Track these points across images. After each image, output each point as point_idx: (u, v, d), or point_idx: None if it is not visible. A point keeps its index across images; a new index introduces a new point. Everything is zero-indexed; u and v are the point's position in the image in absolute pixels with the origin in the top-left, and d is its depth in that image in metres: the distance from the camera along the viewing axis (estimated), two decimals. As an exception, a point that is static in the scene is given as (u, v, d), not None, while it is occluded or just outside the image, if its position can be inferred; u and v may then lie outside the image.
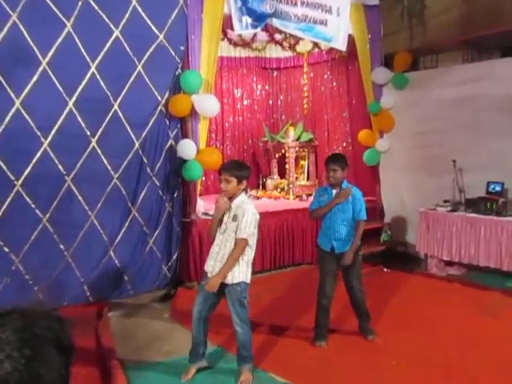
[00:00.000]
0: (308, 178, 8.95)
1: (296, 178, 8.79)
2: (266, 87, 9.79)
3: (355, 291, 4.34)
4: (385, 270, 6.86)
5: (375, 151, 7.74)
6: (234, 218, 3.51)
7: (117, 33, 5.27)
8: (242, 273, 3.53)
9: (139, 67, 5.50)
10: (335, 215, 4.27)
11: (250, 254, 3.56)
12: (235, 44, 7.78)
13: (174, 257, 6.03)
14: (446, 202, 6.75)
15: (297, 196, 8.31)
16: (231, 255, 3.50)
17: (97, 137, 5.27)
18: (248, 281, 3.57)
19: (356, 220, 4.22)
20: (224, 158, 8.81)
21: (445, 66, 7.34)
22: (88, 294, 5.35)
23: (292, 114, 9.75)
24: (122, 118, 5.42)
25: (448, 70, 7.08)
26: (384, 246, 7.37)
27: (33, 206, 4.97)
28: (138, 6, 5.41)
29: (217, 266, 3.56)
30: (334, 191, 4.33)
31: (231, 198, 3.56)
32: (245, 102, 9.53)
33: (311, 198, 4.64)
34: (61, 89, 5.00)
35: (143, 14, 5.44)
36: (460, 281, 6.24)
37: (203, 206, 6.56)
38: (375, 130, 7.71)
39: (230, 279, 3.53)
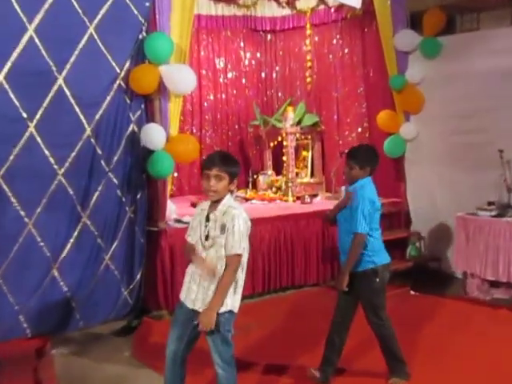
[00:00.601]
0: (312, 174, 9.02)
1: (297, 173, 8.86)
2: (258, 55, 9.85)
3: (372, 326, 4.42)
4: (412, 292, 6.93)
5: (399, 139, 7.82)
6: (223, 229, 3.47)
7: (61, -16, 5.28)
8: (227, 299, 3.54)
9: (91, 29, 5.50)
10: (340, 223, 4.44)
11: (239, 275, 3.57)
12: (217, -2, 7.84)
13: (138, 277, 6.04)
14: (490, 204, 6.83)
15: (297, 197, 8.38)
16: (223, 279, 3.45)
17: (36, 120, 5.27)
18: (235, 309, 3.58)
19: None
20: (202, 149, 8.88)
21: (488, 28, 7.42)
22: (25, 325, 5.34)
23: (291, 91, 9.81)
24: (69, 96, 5.42)
25: (493, 33, 7.16)
26: (411, 262, 7.44)
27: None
28: (89, -51, 5.43)
29: (200, 293, 3.54)
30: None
31: (217, 202, 3.57)
32: (229, 75, 9.57)
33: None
34: (-13, 57, 5.02)
35: (96, -41, 5.48)
36: (509, 307, 6.32)
37: (175, 210, 6.58)
38: (399, 111, 7.79)
39: None
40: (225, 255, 3.47)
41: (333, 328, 4.47)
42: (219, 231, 3.47)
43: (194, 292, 3.57)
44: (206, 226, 3.54)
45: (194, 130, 9.17)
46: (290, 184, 8.51)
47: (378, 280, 4.32)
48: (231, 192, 3.65)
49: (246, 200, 8.38)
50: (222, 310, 3.49)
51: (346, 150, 8.13)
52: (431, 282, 7.14)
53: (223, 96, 9.49)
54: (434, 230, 7.71)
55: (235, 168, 3.55)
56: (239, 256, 3.47)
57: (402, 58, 7.63)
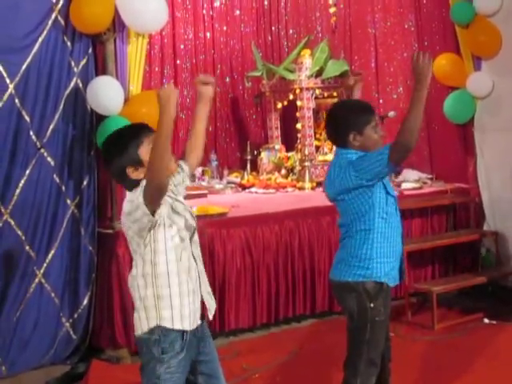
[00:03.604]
0: (340, 148, 9.02)
1: (317, 148, 8.86)
2: (258, -26, 9.83)
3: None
4: (486, 321, 6.96)
5: (466, 96, 7.85)
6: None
7: None
8: (150, 309, 3.62)
9: None
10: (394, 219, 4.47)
11: (171, 261, 3.66)
12: None
13: (85, 302, 6.10)
14: None
15: (318, 183, 8.38)
16: None
17: None
18: (177, 326, 3.64)
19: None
20: (177, 111, 8.86)
21: None
22: None
23: (307, 27, 9.80)
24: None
25: None
26: (484, 277, 7.46)
27: None
28: None
29: (204, 290, 3.78)
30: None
31: None
32: (216, 4, 9.54)
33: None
34: None
35: None
36: None
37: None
38: (465, 55, 7.82)
39: (137, 326, 3.66)
40: None
41: None
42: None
43: (198, 299, 3.73)
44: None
45: (166, 85, 9.16)
46: (307, 164, 8.51)
47: (372, 305, 4.28)
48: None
49: (243, 188, 8.39)
50: (150, 325, 3.60)
51: (390, 113, 8.30)
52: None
53: (207, 35, 9.45)
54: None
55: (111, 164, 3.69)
56: None
57: (469, -23, 7.65)
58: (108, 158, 3.67)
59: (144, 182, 3.46)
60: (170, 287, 3.58)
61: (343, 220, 4.36)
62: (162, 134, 3.39)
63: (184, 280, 3.60)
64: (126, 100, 6.05)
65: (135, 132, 3.65)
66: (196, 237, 3.75)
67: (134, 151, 3.53)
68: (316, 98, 8.83)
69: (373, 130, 4.29)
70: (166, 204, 3.54)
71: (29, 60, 5.68)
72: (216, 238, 6.47)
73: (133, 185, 3.56)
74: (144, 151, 3.52)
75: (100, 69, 6.08)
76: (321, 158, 8.80)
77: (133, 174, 3.55)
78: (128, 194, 3.61)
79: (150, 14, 6.06)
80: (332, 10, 9.39)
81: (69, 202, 5.98)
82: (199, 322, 3.67)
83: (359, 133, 4.26)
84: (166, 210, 3.54)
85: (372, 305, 4.19)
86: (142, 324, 3.59)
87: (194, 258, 3.71)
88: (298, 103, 8.73)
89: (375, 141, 4.28)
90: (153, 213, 3.44)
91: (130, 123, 3.81)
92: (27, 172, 5.74)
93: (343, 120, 4.36)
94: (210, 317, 3.76)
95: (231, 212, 6.82)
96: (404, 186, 8.13)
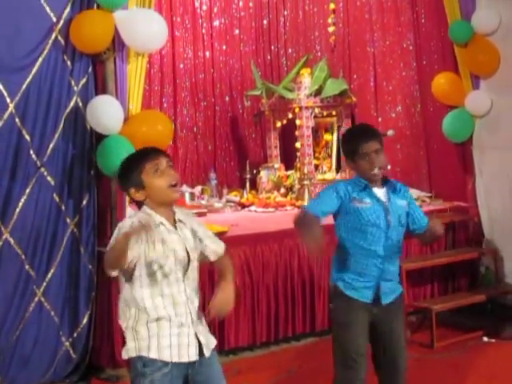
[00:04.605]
0: (339, 168, 9.03)
1: (316, 167, 8.87)
2: (257, -6, 9.88)
3: None
4: (485, 339, 6.96)
5: (465, 115, 7.85)
6: (193, 232, 3.87)
7: None
8: (130, 339, 3.70)
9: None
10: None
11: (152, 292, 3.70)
12: None
13: (84, 321, 6.08)
14: None
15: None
16: (229, 267, 3.99)
17: None
18: (154, 355, 3.66)
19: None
20: (177, 131, 8.90)
21: None
22: None
23: (306, 46, 9.84)
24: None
25: None
26: (483, 295, 7.46)
27: None
28: None
29: (198, 327, 3.78)
30: (381, 191, 4.53)
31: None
32: (216, 23, 9.59)
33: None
34: None
35: None
36: None
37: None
38: (464, 74, 7.84)
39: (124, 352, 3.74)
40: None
41: None
42: (192, 237, 3.86)
43: (189, 334, 3.73)
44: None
45: (165, 105, 9.18)
46: (306, 182, 8.53)
47: (331, 305, 4.66)
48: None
49: (242, 206, 8.40)
50: (131, 353, 3.69)
51: (389, 132, 8.32)
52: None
53: (207, 54, 9.50)
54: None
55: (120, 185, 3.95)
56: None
57: (467, -3, 7.70)
58: (118, 178, 3.89)
59: (124, 227, 3.58)
60: (148, 319, 3.66)
61: None
62: (116, 246, 3.49)
63: (163, 313, 3.65)
64: (126, 119, 6.07)
65: (139, 158, 3.79)
66: (192, 273, 3.77)
67: (138, 175, 3.69)
68: (315, 116, 8.85)
69: (363, 157, 4.40)
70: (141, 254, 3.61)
71: (29, 79, 5.71)
72: (215, 257, 6.48)
73: (138, 203, 3.79)
74: (147, 175, 3.68)
75: (100, 88, 6.10)
76: (320, 176, 8.81)
77: (135, 194, 3.73)
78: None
79: (150, 33, 6.10)
80: (331, 29, 9.44)
81: (68, 221, 5.99)
82: (194, 358, 3.69)
83: (351, 160, 4.49)
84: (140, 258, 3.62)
85: (331, 305, 4.65)
86: (124, 352, 3.72)
87: (187, 294, 3.73)
88: (297, 122, 8.75)
89: (363, 169, 4.43)
90: None
91: (140, 149, 3.92)
92: (27, 191, 5.76)
93: (342, 147, 4.80)
94: (207, 354, 3.74)
95: (230, 231, 6.82)
96: (403, 204, 8.13)
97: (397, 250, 4.58)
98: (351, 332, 4.43)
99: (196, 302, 3.77)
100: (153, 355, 3.63)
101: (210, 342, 3.83)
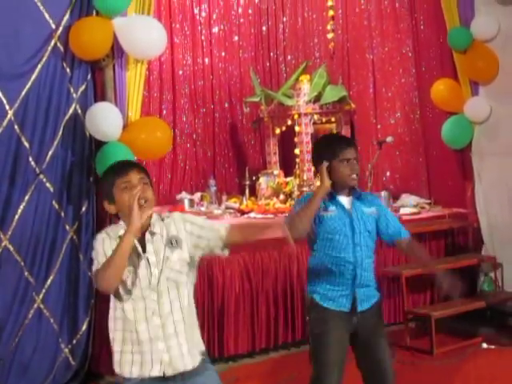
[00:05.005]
0: (337, 174, 9.04)
1: (315, 173, 8.87)
2: (256, 0, 9.87)
3: None
4: (484, 346, 6.96)
5: (464, 121, 7.87)
6: (173, 242, 3.65)
7: None
8: (116, 352, 3.68)
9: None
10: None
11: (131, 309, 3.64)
12: None
13: (84, 328, 6.09)
14: None
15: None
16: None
17: None
18: (117, 370, 3.67)
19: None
20: (176, 138, 8.90)
21: None
22: None
23: (305, 53, 9.86)
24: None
25: None
26: (483, 302, 7.46)
27: None
28: None
29: (176, 344, 3.63)
30: (346, 199, 4.61)
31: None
32: (215, 30, 9.60)
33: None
34: None
35: None
36: None
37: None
38: (463, 80, 7.85)
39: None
40: (185, 281, 3.67)
41: None
42: (168, 248, 3.64)
43: (163, 350, 3.63)
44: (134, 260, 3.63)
45: (165, 112, 9.18)
46: (305, 189, 8.52)
47: (307, 318, 4.65)
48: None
49: (242, 213, 8.40)
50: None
51: (388, 138, 8.32)
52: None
53: (206, 60, 9.51)
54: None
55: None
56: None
57: (465, 4, 7.69)
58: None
59: (103, 239, 3.56)
60: (115, 332, 3.64)
61: None
62: (118, 253, 3.41)
63: (130, 328, 3.59)
64: (125, 126, 6.08)
65: (112, 172, 3.69)
66: (167, 277, 3.59)
67: (110, 189, 3.60)
68: (314, 123, 8.86)
69: (341, 163, 4.47)
70: None
71: (28, 86, 5.72)
72: (215, 264, 6.48)
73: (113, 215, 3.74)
74: (116, 189, 3.58)
75: (99, 95, 6.12)
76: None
77: (107, 206, 3.64)
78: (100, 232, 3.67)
79: (149, 40, 6.12)
80: (330, 35, 9.43)
81: (68, 227, 6.00)
82: (160, 374, 3.57)
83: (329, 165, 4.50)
84: None
85: (308, 317, 4.63)
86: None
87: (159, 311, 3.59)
88: (297, 129, 8.75)
89: (341, 174, 4.49)
90: None
91: (115, 162, 3.82)
92: (26, 198, 5.77)
93: (316, 151, 4.72)
94: (168, 372, 3.58)
95: (230, 237, 6.81)
96: (402, 210, 8.14)
97: (368, 255, 4.56)
98: (326, 342, 4.43)
99: (165, 320, 3.61)
100: (116, 370, 3.68)
101: (182, 363, 3.66)
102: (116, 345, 3.63)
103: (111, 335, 3.65)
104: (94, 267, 3.49)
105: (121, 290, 3.55)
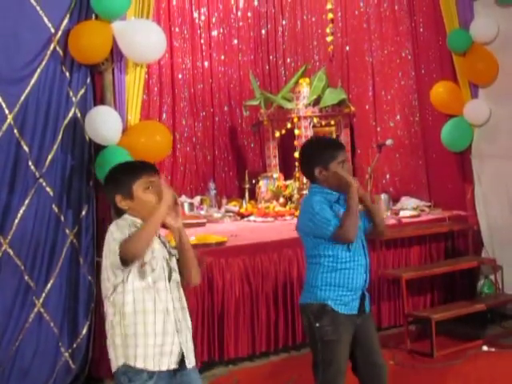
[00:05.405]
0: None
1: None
2: (255, 4, 9.88)
3: None
4: (485, 348, 6.95)
5: (463, 124, 7.86)
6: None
7: None
8: (118, 348, 3.72)
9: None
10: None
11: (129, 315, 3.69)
12: None
13: (84, 332, 6.08)
14: None
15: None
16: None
17: None
18: (140, 365, 3.67)
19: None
20: (176, 140, 8.90)
21: None
22: None
23: (305, 56, 9.87)
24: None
25: None
26: (483, 304, 7.45)
27: None
28: None
29: (184, 333, 3.77)
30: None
31: None
32: (214, 33, 9.61)
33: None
34: None
35: None
36: None
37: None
38: (462, 82, 7.85)
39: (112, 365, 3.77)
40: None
41: None
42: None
43: (175, 342, 3.72)
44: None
45: (164, 115, 9.19)
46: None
47: (317, 325, 4.50)
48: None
49: (242, 216, 8.40)
50: (117, 364, 3.71)
51: (388, 141, 8.32)
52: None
53: (205, 64, 9.53)
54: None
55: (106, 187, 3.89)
56: None
57: (465, 6, 7.68)
58: (105, 180, 3.86)
59: (123, 226, 3.62)
60: (135, 326, 3.64)
61: (305, 251, 4.64)
62: (153, 222, 3.52)
63: (150, 321, 3.63)
64: (125, 130, 6.07)
65: (137, 167, 3.77)
66: (175, 276, 3.76)
67: (129, 183, 3.64)
68: (314, 126, 8.87)
69: (339, 165, 4.45)
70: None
71: (27, 90, 5.71)
72: (215, 267, 6.47)
73: (119, 212, 3.74)
74: (138, 187, 3.65)
75: (98, 99, 6.11)
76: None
77: (120, 202, 3.68)
78: (112, 224, 3.70)
79: (148, 44, 6.11)
80: (329, 38, 9.45)
81: (68, 231, 5.99)
82: (174, 366, 3.68)
83: (324, 167, 4.45)
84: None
85: (318, 324, 4.44)
86: (113, 363, 3.73)
87: (173, 301, 3.73)
88: (296, 132, 8.77)
89: (343, 175, 4.44)
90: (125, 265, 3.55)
91: (140, 160, 3.90)
92: (26, 202, 5.75)
93: (311, 155, 4.60)
94: (189, 366, 3.72)
95: (230, 241, 6.82)
96: (402, 213, 8.15)
97: (368, 254, 4.60)
98: (339, 350, 4.43)
99: (180, 313, 3.78)
100: (139, 365, 3.67)
101: (190, 356, 3.80)
102: (138, 339, 3.64)
103: (131, 330, 3.66)
104: (117, 240, 3.54)
105: (149, 279, 3.64)
